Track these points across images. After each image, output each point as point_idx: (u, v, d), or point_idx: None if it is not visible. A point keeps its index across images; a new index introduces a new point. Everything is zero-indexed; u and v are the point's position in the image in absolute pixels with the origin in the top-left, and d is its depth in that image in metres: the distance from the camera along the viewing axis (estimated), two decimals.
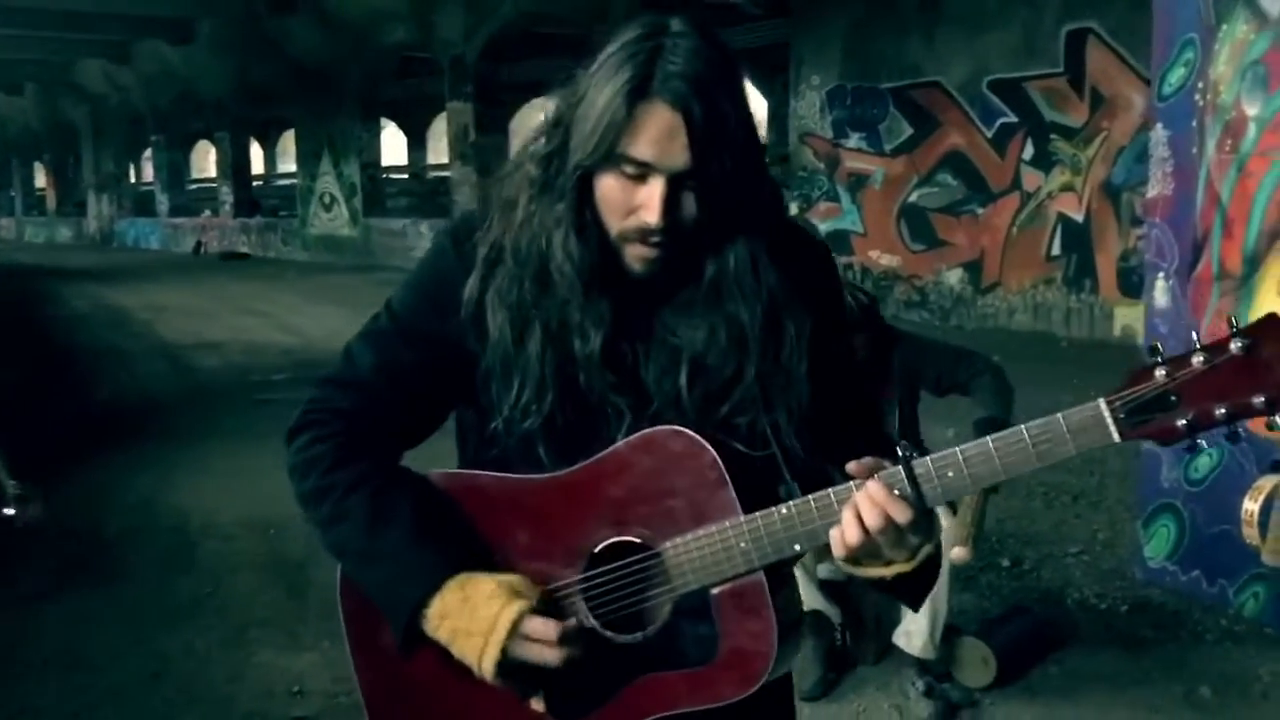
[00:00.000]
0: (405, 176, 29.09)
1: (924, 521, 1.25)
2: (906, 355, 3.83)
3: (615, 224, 1.32)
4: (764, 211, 1.38)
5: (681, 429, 1.32)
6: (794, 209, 13.52)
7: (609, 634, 1.35)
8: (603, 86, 1.30)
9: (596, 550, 1.36)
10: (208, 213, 27.39)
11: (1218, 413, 1.14)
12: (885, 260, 12.70)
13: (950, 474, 1.23)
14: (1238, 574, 4.15)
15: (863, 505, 1.24)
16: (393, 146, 27.73)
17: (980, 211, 11.78)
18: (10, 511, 2.56)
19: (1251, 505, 3.36)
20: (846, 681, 3.72)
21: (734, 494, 1.30)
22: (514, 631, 1.29)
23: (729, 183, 1.30)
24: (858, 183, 12.85)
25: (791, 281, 1.38)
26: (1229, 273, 4.13)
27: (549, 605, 1.34)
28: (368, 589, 1.41)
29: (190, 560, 5.06)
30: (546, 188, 1.36)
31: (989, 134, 11.60)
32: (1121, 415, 1.17)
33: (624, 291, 1.36)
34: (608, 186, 1.31)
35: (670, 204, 1.28)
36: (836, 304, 1.51)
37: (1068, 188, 11.03)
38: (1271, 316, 1.14)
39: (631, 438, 1.34)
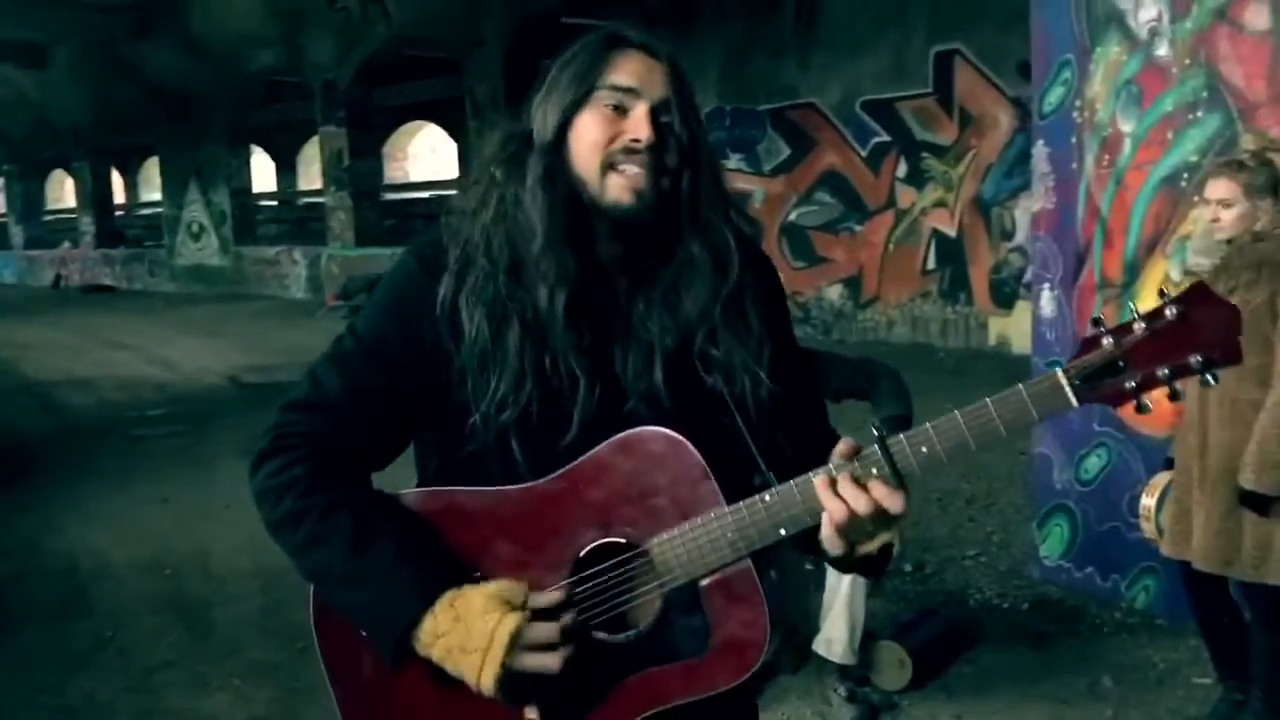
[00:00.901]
0: (275, 203, 28.42)
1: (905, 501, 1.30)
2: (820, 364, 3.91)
3: (598, 156, 1.37)
4: (723, 200, 1.45)
5: (660, 429, 1.35)
6: None
7: (601, 635, 1.36)
8: (570, 61, 1.41)
9: (582, 555, 1.37)
10: (67, 244, 26.36)
11: (1160, 373, 1.23)
12: None
13: (924, 449, 1.28)
14: (1128, 568, 4.34)
15: (849, 493, 1.28)
16: (261, 173, 27.09)
17: (858, 229, 12.10)
18: None
19: (1149, 501, 3.53)
20: (769, 691, 3.77)
21: (716, 486, 1.33)
22: (513, 645, 1.29)
23: (696, 144, 1.40)
24: (738, 202, 13.04)
25: (749, 274, 1.44)
26: (1110, 281, 4.34)
27: (540, 612, 1.34)
28: (352, 613, 1.40)
29: (84, 605, 4.85)
30: (514, 167, 1.42)
31: (864, 153, 11.93)
32: (1077, 382, 1.25)
33: (597, 284, 1.41)
34: (588, 124, 1.38)
35: (656, 131, 1.36)
36: (782, 298, 1.56)
37: (940, 204, 11.41)
38: (1199, 284, 1.25)
39: (610, 441, 1.36)
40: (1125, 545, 4.31)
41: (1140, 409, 1.25)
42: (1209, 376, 1.23)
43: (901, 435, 1.29)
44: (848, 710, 3.55)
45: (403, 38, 16.76)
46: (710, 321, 1.41)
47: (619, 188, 1.37)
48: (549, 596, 1.35)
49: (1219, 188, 3.17)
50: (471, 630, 1.30)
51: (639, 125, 1.36)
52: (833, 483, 1.29)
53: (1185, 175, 4.00)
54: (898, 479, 1.28)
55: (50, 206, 30.88)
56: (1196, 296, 1.23)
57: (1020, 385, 1.25)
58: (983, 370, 9.58)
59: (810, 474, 1.31)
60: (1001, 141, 10.74)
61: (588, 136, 1.38)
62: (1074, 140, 4.40)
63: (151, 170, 28.54)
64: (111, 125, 23.17)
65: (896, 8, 11.28)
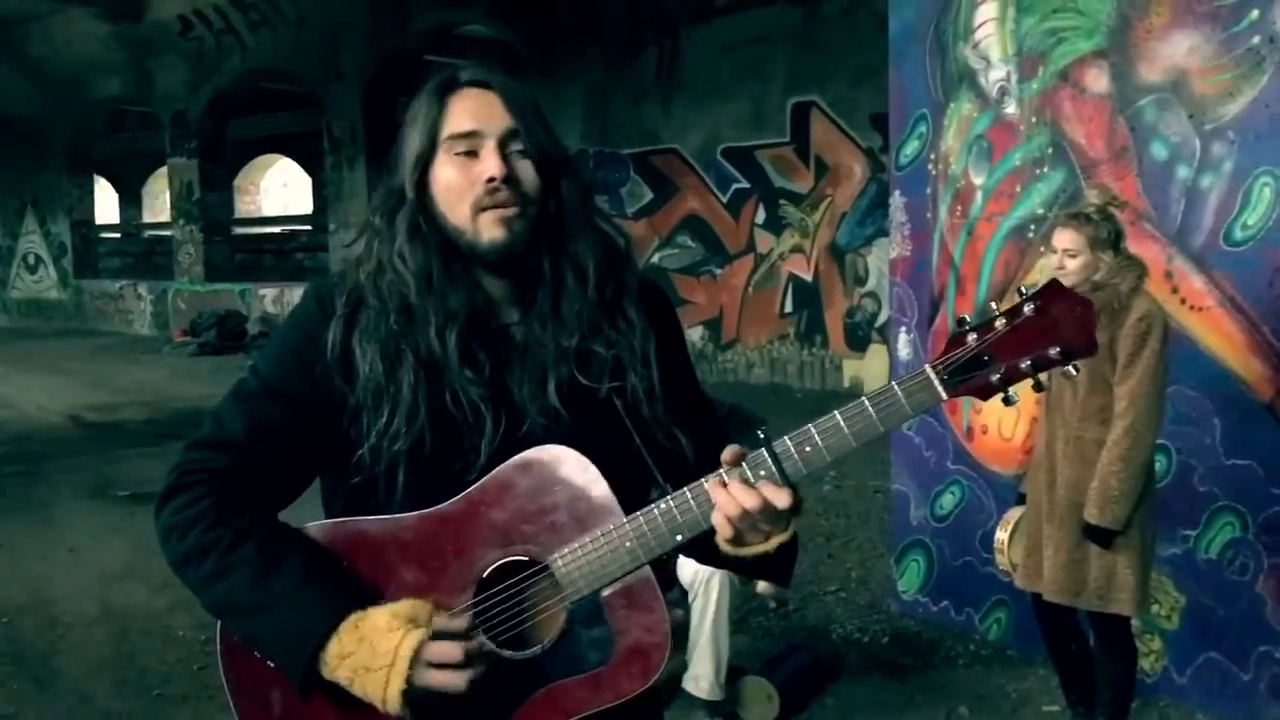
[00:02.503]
0: (119, 235, 27.35)
1: (793, 501, 1.35)
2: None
3: (464, 205, 1.42)
4: (591, 209, 1.52)
5: (556, 446, 1.39)
6: None
7: (507, 653, 1.38)
8: (415, 115, 1.47)
9: (485, 575, 1.39)
10: None
11: (1023, 365, 1.30)
12: None
13: (808, 449, 1.33)
14: (982, 602, 4.52)
15: (739, 491, 1.32)
16: (105, 204, 26.06)
17: (718, 272, 12.34)
18: None
19: (1002, 535, 3.70)
20: None
21: (614, 498, 1.37)
22: (415, 660, 1.31)
23: (552, 158, 1.46)
24: (606, 213, 13.16)
25: (627, 278, 1.51)
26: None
27: (445, 632, 1.35)
28: (258, 642, 1.39)
29: None
30: (390, 221, 1.46)
31: (724, 199, 12.19)
32: (945, 377, 1.31)
33: (488, 317, 1.46)
34: (443, 175, 1.44)
35: (506, 163, 1.42)
36: (668, 306, 1.62)
37: (797, 249, 11.73)
38: (1054, 282, 1.33)
39: (508, 461, 1.39)
40: (979, 579, 4.49)
41: (1007, 400, 1.32)
42: (1071, 367, 1.30)
43: (786, 438, 1.34)
44: None
45: (259, 70, 16.44)
46: (593, 323, 1.46)
47: (490, 224, 1.42)
48: (452, 617, 1.37)
49: (1065, 238, 3.36)
50: (376, 649, 1.31)
51: (490, 164, 1.42)
52: (724, 485, 1.33)
53: (1032, 226, 4.23)
54: (784, 477, 1.33)
55: None
56: (1053, 293, 1.30)
57: (893, 382, 1.32)
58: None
59: (703, 480, 1.36)
60: (855, 190, 11.12)
61: (448, 187, 1.44)
62: (929, 191, 4.61)
63: None
64: None
65: (756, 59, 11.61)
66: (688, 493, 1.36)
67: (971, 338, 1.31)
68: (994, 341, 1.30)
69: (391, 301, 1.44)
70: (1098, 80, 3.99)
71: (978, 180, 4.42)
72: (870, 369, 10.98)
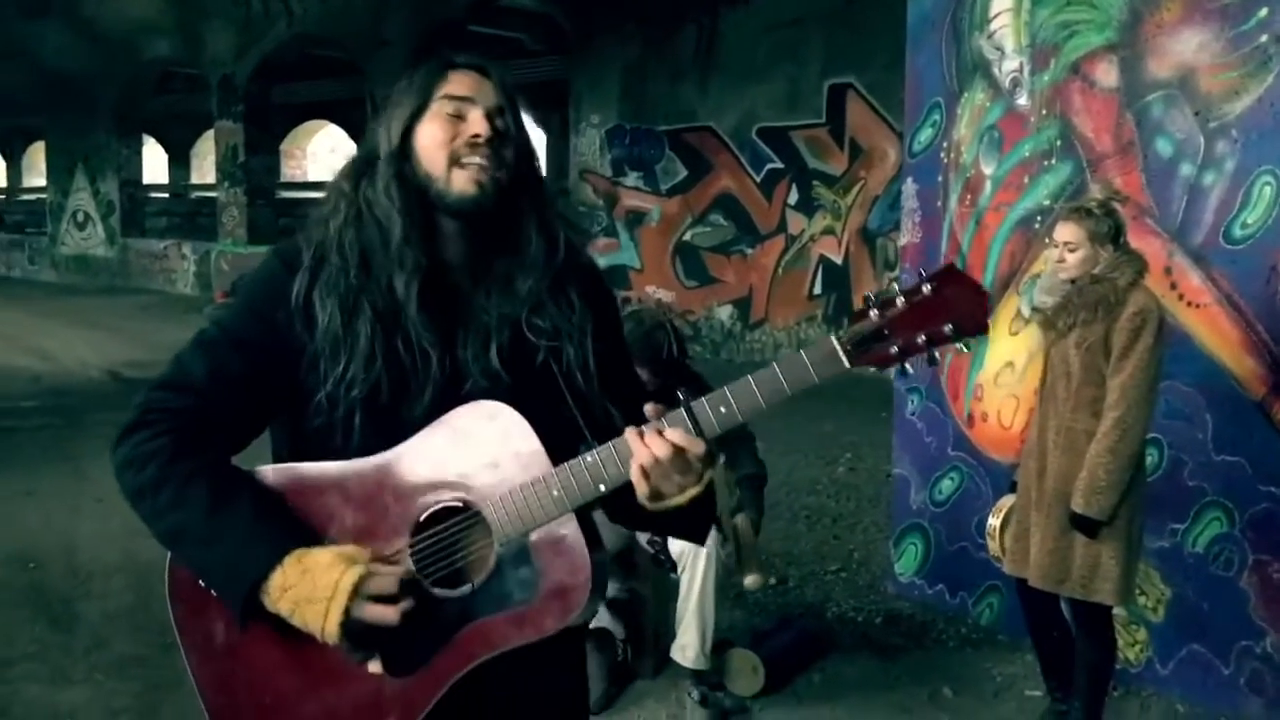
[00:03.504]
0: (166, 196, 27.74)
1: (706, 451, 1.46)
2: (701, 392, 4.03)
3: (442, 155, 1.55)
4: (549, 201, 1.66)
5: (493, 402, 1.50)
6: None
7: (439, 591, 1.49)
8: (410, 84, 1.61)
9: (421, 519, 1.50)
10: None
11: (919, 340, 1.40)
12: (660, 295, 13.13)
13: (722, 409, 1.44)
14: (975, 587, 4.59)
15: (653, 441, 1.44)
16: (153, 164, 26.44)
17: (749, 251, 12.37)
18: None
19: (995, 521, 3.76)
20: (628, 695, 3.91)
21: (544, 451, 1.48)
22: (355, 594, 1.42)
23: (527, 147, 1.61)
24: (635, 220, 13.26)
25: (572, 266, 1.64)
26: None
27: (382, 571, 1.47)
28: (205, 572, 1.51)
29: None
30: (363, 178, 1.60)
31: (757, 178, 12.22)
32: (849, 347, 1.40)
33: (443, 281, 1.58)
34: (430, 129, 1.57)
35: (492, 129, 1.55)
36: (606, 295, 1.74)
37: (828, 231, 11.74)
38: (950, 266, 1.43)
39: (447, 414, 1.50)
40: (973, 564, 4.55)
41: (903, 372, 1.42)
42: (961, 345, 1.40)
43: (703, 398, 1.45)
44: (700, 714, 3.69)
45: (305, 36, 16.60)
46: (537, 298, 1.59)
47: (464, 179, 1.54)
48: (390, 551, 1.48)
49: (1066, 231, 3.40)
50: (317, 582, 1.42)
51: (477, 123, 1.55)
52: (640, 434, 1.45)
53: (1039, 218, 4.26)
54: (696, 429, 1.44)
55: None
56: (948, 276, 1.40)
57: (802, 350, 1.42)
58: (861, 393, 9.78)
59: (625, 434, 1.46)
60: (888, 174, 11.10)
61: (432, 139, 1.56)
62: (940, 179, 4.65)
63: (37, 155, 27.63)
64: None
65: (793, 40, 11.60)
66: (611, 446, 1.47)
67: (874, 313, 1.40)
68: (894, 317, 1.39)
69: (352, 258, 1.56)
70: (1107, 74, 4.01)
71: (988, 170, 4.46)
72: None
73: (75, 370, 10.98)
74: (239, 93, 17.66)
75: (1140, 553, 3.53)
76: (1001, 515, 3.76)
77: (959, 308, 1.37)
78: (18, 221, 25.97)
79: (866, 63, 11.05)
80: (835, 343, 1.40)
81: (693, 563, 3.70)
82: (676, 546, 3.77)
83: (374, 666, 1.49)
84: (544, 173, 1.67)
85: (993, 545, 3.80)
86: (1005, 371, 4.47)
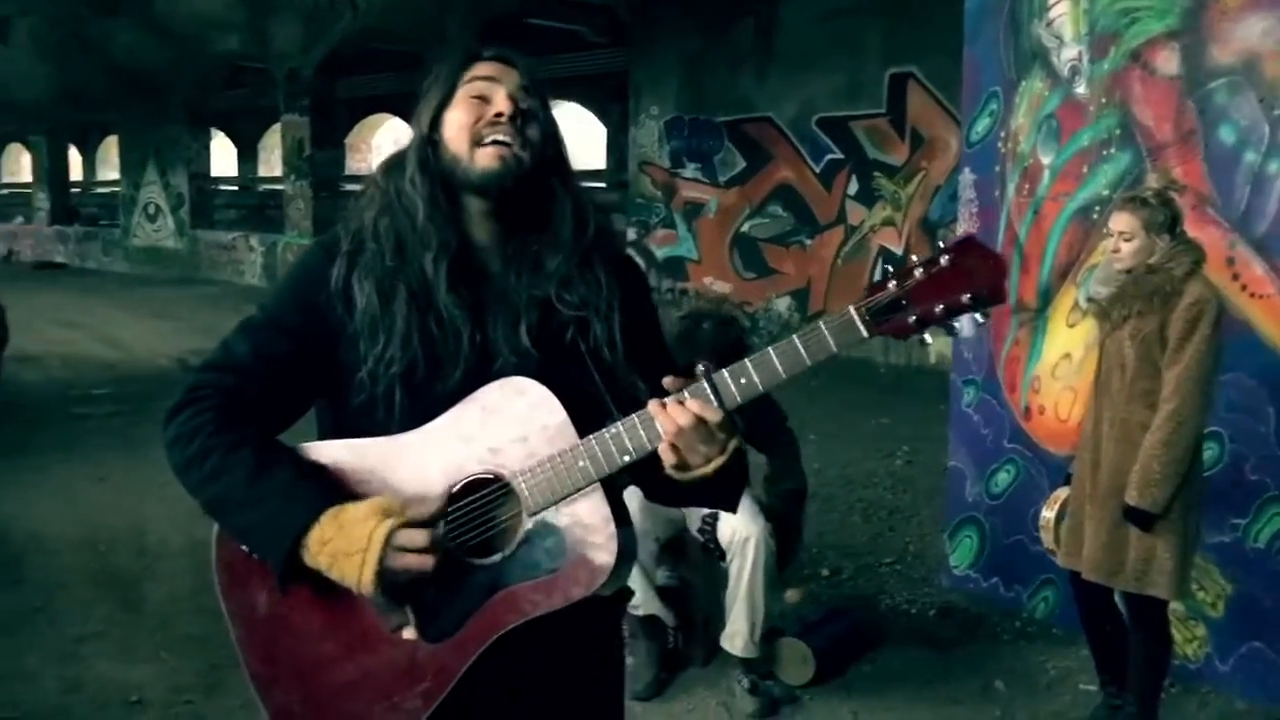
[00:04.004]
0: (234, 188, 28.25)
1: (727, 420, 1.49)
2: (770, 412, 4.05)
3: (467, 135, 1.61)
4: (576, 183, 1.70)
5: (523, 378, 1.54)
6: (632, 235, 13.85)
7: (470, 559, 1.54)
8: (439, 75, 1.67)
9: (454, 490, 1.55)
10: (20, 219, 26.04)
11: (937, 310, 1.41)
12: (718, 286, 13.12)
13: (743, 380, 1.47)
14: (1030, 580, 4.55)
15: (675, 410, 1.47)
16: (221, 157, 26.92)
17: (808, 242, 12.31)
18: None
19: (1049, 514, 3.74)
20: (678, 681, 3.94)
21: (571, 425, 1.52)
22: (388, 544, 1.47)
23: (552, 131, 1.66)
24: (693, 211, 13.26)
25: (600, 245, 1.68)
26: (1025, 305, 4.54)
27: (415, 521, 1.52)
28: (248, 534, 1.57)
29: (17, 575, 4.93)
30: (395, 167, 1.67)
31: (817, 169, 12.15)
32: (867, 317, 1.42)
33: (473, 262, 1.64)
34: (454, 114, 1.63)
35: (515, 108, 1.60)
36: (637, 275, 1.79)
37: (889, 222, 11.65)
38: (968, 236, 1.44)
39: (478, 391, 1.55)
40: (1029, 557, 4.51)
41: (922, 342, 1.43)
42: (978, 316, 1.41)
43: (724, 370, 1.48)
44: (749, 701, 3.71)
45: (369, 29, 16.78)
46: (565, 274, 1.63)
47: (487, 156, 1.60)
48: (423, 508, 1.53)
49: (1121, 221, 3.36)
50: (353, 535, 1.48)
51: (500, 102, 1.61)
52: (663, 405, 1.48)
53: (1097, 208, 4.21)
54: (717, 399, 1.47)
55: (5, 180, 30.50)
56: (967, 246, 1.42)
57: (820, 320, 1.44)
58: (919, 386, 9.79)
59: (648, 406, 1.50)
60: (950, 165, 10.96)
61: (456, 123, 1.62)
62: (998, 169, 4.61)
63: (110, 149, 28.24)
64: (72, 102, 22.92)
65: (853, 29, 11.51)
66: (635, 418, 1.51)
67: (892, 283, 1.42)
68: (912, 287, 1.41)
69: (387, 243, 1.62)
70: (1168, 62, 3.95)
71: (1045, 159, 4.41)
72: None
73: (145, 359, 11.25)
74: (304, 87, 17.90)
75: (1197, 547, 3.48)
76: (1056, 508, 3.73)
77: (977, 278, 1.39)
78: (92, 214, 26.57)
79: (928, 51, 10.92)
80: (853, 312, 1.42)
81: (741, 551, 3.72)
82: (726, 535, 3.78)
83: (408, 633, 1.54)
84: (569, 155, 1.70)
85: (1046, 537, 3.77)
86: (1063, 363, 4.42)
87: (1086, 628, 3.70)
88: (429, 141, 1.64)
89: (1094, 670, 3.79)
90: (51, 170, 24.70)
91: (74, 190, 27.65)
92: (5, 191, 29.76)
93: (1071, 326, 4.38)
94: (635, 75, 13.79)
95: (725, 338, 3.94)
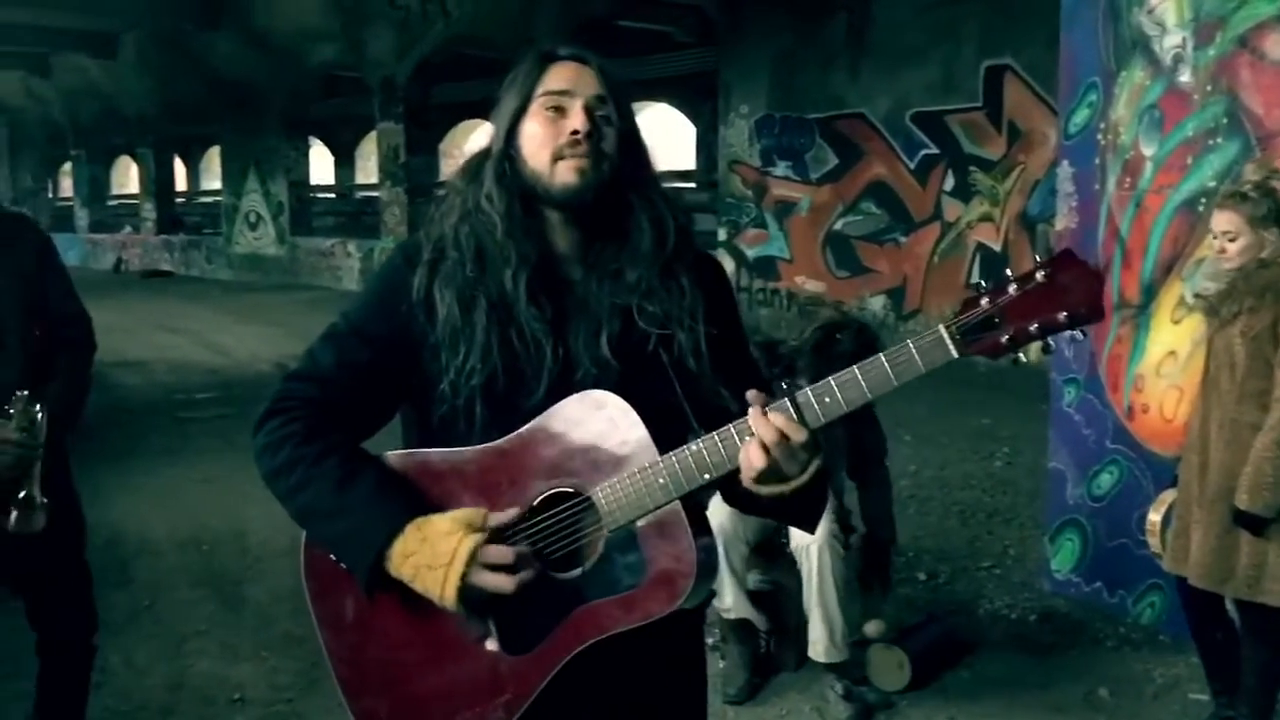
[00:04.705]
0: (332, 196, 28.87)
1: (810, 439, 1.46)
2: (860, 421, 4.00)
3: (545, 152, 1.58)
4: (657, 187, 1.66)
5: (603, 391, 1.53)
6: (722, 235, 13.80)
7: (552, 573, 1.53)
8: (513, 80, 1.64)
9: (535, 503, 1.55)
10: (129, 229, 26.95)
11: (1031, 328, 1.37)
12: (811, 286, 13.00)
13: (827, 399, 1.44)
14: (1136, 584, 4.40)
15: (759, 427, 1.44)
16: (319, 165, 27.52)
17: (903, 240, 12.13)
18: (14, 515, 2.58)
19: (1155, 516, 3.62)
20: (771, 686, 3.90)
21: (651, 440, 1.50)
22: (472, 560, 1.47)
23: (632, 133, 1.62)
24: (785, 210, 13.15)
25: (683, 251, 1.65)
26: (1128, 301, 4.40)
27: (498, 539, 1.52)
28: (334, 544, 1.58)
29: (126, 576, 5.08)
30: (474, 176, 1.65)
31: (911, 165, 11.96)
32: (957, 336, 1.38)
33: (553, 272, 1.62)
34: (531, 127, 1.60)
35: (591, 123, 1.57)
36: (722, 279, 1.75)
37: (986, 218, 11.42)
38: (1066, 251, 1.39)
39: (559, 404, 1.54)
40: (1134, 561, 4.37)
41: (1015, 362, 1.37)
42: (1078, 332, 1.37)
43: (807, 389, 1.45)
44: (843, 707, 3.65)
45: (460, 36, 17.00)
46: (647, 284, 1.60)
47: (566, 170, 1.57)
48: (505, 517, 1.53)
49: (1223, 220, 3.24)
50: (436, 549, 1.48)
51: (576, 118, 1.57)
52: (747, 420, 1.46)
53: (1203, 200, 4.06)
54: (800, 418, 1.44)
55: (114, 192, 31.59)
56: (1064, 261, 1.37)
57: (908, 340, 1.40)
58: (1020, 385, 9.54)
59: (730, 425, 1.48)
60: (1049, 158, 10.68)
61: (534, 137, 1.60)
62: (1097, 162, 4.47)
63: (213, 159, 29.04)
64: (176, 114, 23.69)
65: (948, 22, 11.31)
66: (716, 436, 1.49)
67: (985, 301, 1.38)
68: (1005, 305, 1.37)
69: (468, 252, 1.61)
70: (1278, 46, 3.79)
71: (1148, 151, 4.26)
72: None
73: (247, 363, 11.54)
74: (399, 94, 18.20)
75: None
76: (1163, 510, 3.61)
77: (1074, 294, 1.34)
78: (196, 223, 27.37)
79: (1024, 42, 10.69)
80: (944, 331, 1.39)
81: (808, 557, 3.67)
82: (795, 540, 3.74)
83: (491, 644, 1.54)
84: (651, 157, 1.67)
85: (1153, 542, 3.65)
86: (1167, 361, 4.28)
87: (1196, 635, 3.57)
88: (506, 154, 1.63)
89: (1204, 678, 3.65)
90: (158, 181, 25.52)
91: (179, 200, 28.51)
92: (115, 203, 30.78)
93: (1176, 323, 4.23)
94: (725, 74, 13.73)
95: (863, 349, 3.86)
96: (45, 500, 2.64)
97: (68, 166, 29.86)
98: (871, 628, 4.02)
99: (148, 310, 16.83)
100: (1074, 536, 4.67)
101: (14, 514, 2.60)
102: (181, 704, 3.84)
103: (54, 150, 29.35)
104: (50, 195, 32.68)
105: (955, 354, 1.38)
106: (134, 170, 28.31)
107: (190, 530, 5.71)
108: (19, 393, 2.58)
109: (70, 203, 29.93)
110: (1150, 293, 4.31)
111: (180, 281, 22.82)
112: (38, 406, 2.60)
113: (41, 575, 2.89)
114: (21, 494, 2.60)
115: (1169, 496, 3.60)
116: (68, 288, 3.01)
